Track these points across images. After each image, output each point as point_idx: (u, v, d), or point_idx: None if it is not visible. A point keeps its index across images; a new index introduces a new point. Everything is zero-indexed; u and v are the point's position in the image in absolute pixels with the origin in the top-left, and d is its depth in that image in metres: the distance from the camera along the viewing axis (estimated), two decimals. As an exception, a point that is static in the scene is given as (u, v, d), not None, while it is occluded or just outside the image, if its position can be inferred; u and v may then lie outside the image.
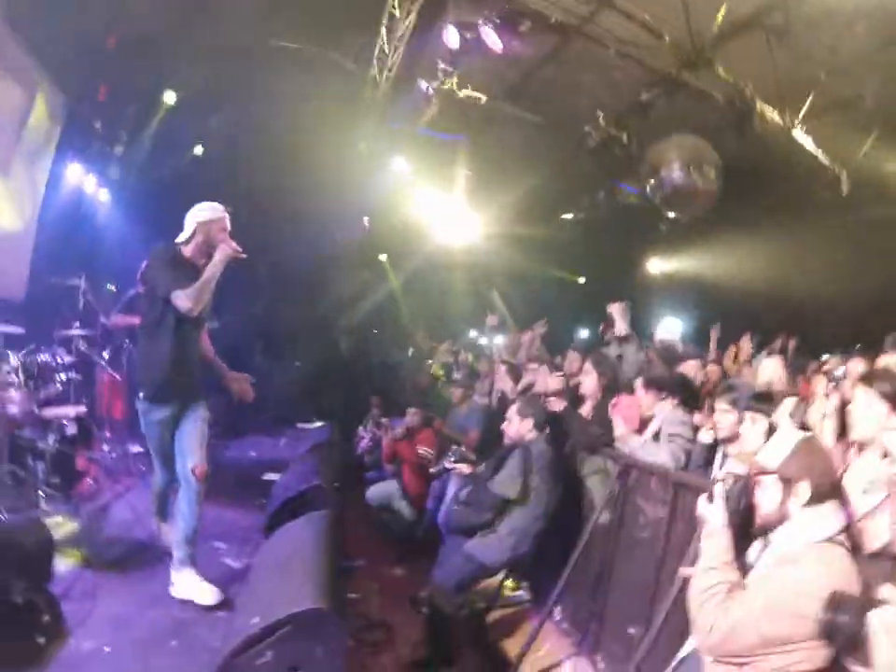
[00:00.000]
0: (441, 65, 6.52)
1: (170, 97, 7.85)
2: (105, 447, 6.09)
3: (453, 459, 4.68)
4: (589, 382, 4.65)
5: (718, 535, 2.14)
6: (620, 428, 4.17)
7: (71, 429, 5.34)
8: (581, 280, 12.29)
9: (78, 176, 7.88)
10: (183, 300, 3.43)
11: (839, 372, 3.67)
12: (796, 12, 5.45)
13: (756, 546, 2.16)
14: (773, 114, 6.46)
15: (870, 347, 3.97)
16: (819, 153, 6.72)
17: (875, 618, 1.66)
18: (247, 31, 6.66)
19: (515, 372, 6.11)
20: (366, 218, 10.95)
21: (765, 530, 2.11)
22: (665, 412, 4.00)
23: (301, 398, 10.78)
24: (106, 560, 3.99)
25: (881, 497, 2.40)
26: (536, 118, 7.86)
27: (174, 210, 3.73)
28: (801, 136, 6.61)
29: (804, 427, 2.94)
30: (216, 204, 3.69)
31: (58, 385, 5.66)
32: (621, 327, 5.46)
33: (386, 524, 5.90)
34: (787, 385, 3.90)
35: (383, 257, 12.82)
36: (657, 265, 11.44)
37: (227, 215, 3.68)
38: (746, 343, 4.09)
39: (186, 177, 8.46)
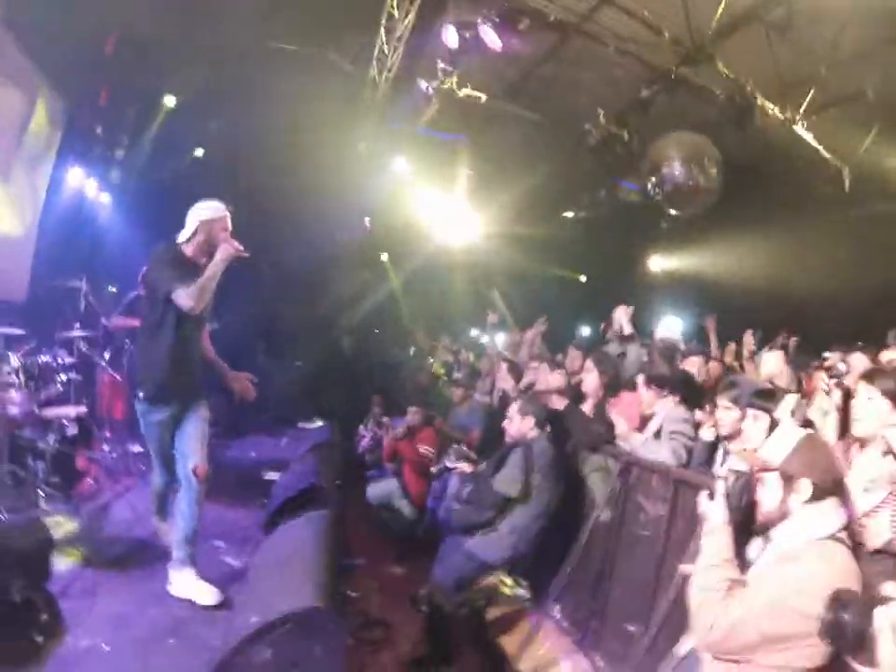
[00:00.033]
0: (441, 65, 6.51)
1: (170, 100, 7.87)
2: (106, 447, 6.08)
3: (453, 458, 4.67)
4: (590, 380, 4.65)
5: (719, 532, 2.13)
6: (621, 426, 4.16)
7: (71, 429, 5.34)
8: (582, 278, 12.27)
9: (79, 180, 7.92)
10: (184, 298, 3.40)
11: (841, 367, 3.65)
12: (797, 7, 5.43)
13: (757, 543, 2.15)
14: (774, 109, 6.43)
15: (872, 343, 3.94)
16: (821, 149, 6.69)
17: (880, 616, 1.65)
18: (247, 32, 6.66)
19: (516, 371, 6.10)
20: (367, 219, 10.96)
21: (766, 527, 2.10)
22: (667, 409, 3.98)
23: (301, 397, 10.76)
24: (106, 559, 3.98)
25: (883, 494, 2.39)
26: (536, 116, 7.85)
27: (174, 212, 3.70)
28: (802, 132, 6.59)
29: (806, 423, 2.93)
30: (217, 203, 3.66)
31: (58, 385, 5.66)
32: (625, 327, 5.46)
33: (387, 522, 5.89)
34: (789, 381, 3.88)
35: (383, 256, 12.83)
36: (658, 263, 11.41)
37: (228, 213, 3.65)
38: (748, 339, 4.06)
39: (186, 180, 8.47)
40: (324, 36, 6.98)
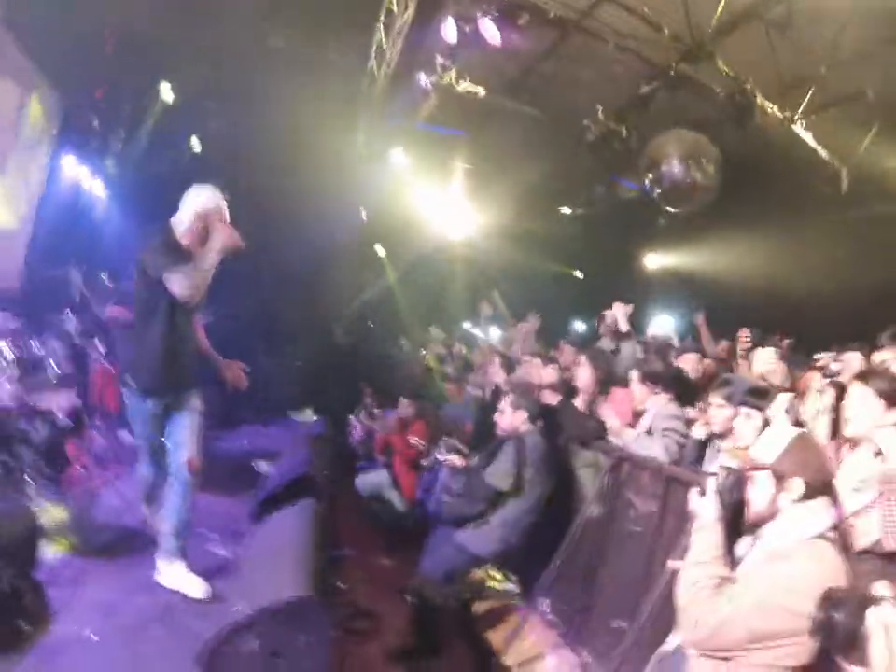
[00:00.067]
0: (440, 59, 6.46)
1: (167, 93, 7.81)
2: (96, 436, 6.06)
3: (444, 451, 4.67)
4: (583, 375, 4.64)
5: (709, 529, 2.13)
6: (613, 422, 4.16)
7: (62, 418, 5.31)
8: (579, 275, 12.26)
9: (76, 172, 7.88)
10: (178, 286, 3.28)
11: (834, 367, 3.66)
12: (797, 5, 5.41)
13: (745, 541, 2.15)
14: (773, 108, 6.42)
15: (869, 344, 3.94)
16: (819, 149, 6.69)
17: (872, 615, 1.64)
18: (245, 28, 6.63)
19: (509, 365, 6.09)
20: (363, 211, 10.93)
21: (756, 525, 2.09)
22: (659, 406, 3.98)
23: (293, 388, 10.76)
24: (95, 547, 3.96)
25: (872, 495, 2.39)
26: (534, 112, 7.81)
27: (171, 206, 3.61)
28: (801, 131, 6.58)
29: (798, 423, 2.93)
30: (215, 190, 3.53)
31: (50, 374, 5.64)
32: (622, 324, 5.45)
33: (377, 513, 5.90)
34: (783, 378, 3.87)
35: (380, 250, 12.80)
36: (655, 260, 11.40)
37: (225, 202, 3.51)
38: (744, 336, 4.07)
39: (183, 173, 8.43)
40: (323, 31, 6.93)
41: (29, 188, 7.04)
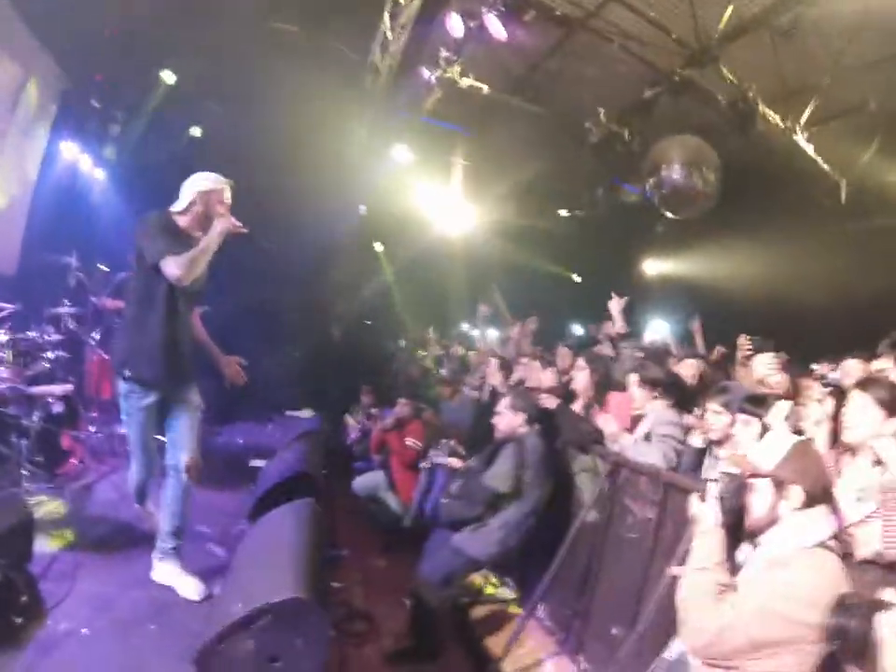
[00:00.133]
0: (444, 53, 6.45)
1: (169, 77, 7.78)
2: (92, 427, 6.02)
3: (442, 453, 4.65)
4: (581, 378, 4.64)
5: (710, 535, 2.13)
6: (611, 427, 4.15)
7: (57, 408, 5.25)
8: (577, 278, 12.26)
9: (74, 154, 7.82)
10: (173, 267, 3.17)
11: (834, 375, 3.66)
12: (804, 16, 5.42)
13: (745, 548, 2.15)
14: (775, 117, 6.43)
15: (868, 352, 3.95)
16: (819, 160, 6.71)
17: (883, 622, 1.64)
18: (249, 17, 6.58)
19: (506, 367, 6.09)
20: (363, 207, 10.90)
21: (756, 532, 2.09)
22: (657, 412, 3.98)
23: (290, 385, 10.73)
24: (89, 540, 3.94)
25: (873, 505, 2.39)
26: (538, 110, 7.80)
27: (169, 191, 3.57)
28: (802, 142, 6.59)
29: (797, 431, 2.93)
30: (217, 175, 3.47)
31: (45, 362, 5.59)
32: (617, 320, 5.44)
33: (373, 514, 5.87)
34: (784, 385, 3.87)
35: (378, 246, 12.77)
36: (653, 266, 11.41)
37: (227, 186, 3.46)
38: (743, 343, 4.07)
39: (182, 159, 8.38)
40: (327, 21, 6.90)
41: (25, 168, 6.98)
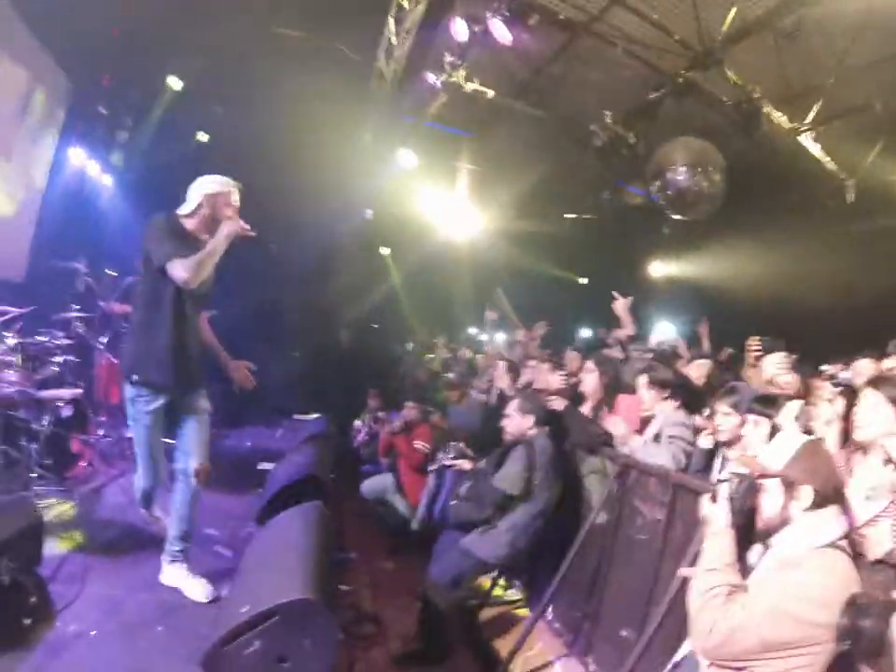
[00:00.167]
0: (449, 58, 6.47)
1: (175, 82, 7.83)
2: (101, 431, 6.05)
3: (451, 456, 4.65)
4: (590, 380, 4.63)
5: (721, 536, 2.11)
6: (620, 429, 4.14)
7: (66, 412, 5.28)
8: (583, 281, 12.25)
9: (82, 160, 7.87)
10: (180, 270, 3.16)
11: (845, 375, 3.64)
12: (807, 16, 5.41)
13: (757, 548, 2.14)
14: (780, 118, 6.42)
15: (878, 353, 3.93)
16: (825, 160, 6.69)
17: None
18: (254, 20, 6.61)
19: (514, 370, 6.08)
20: (369, 211, 10.92)
21: (767, 533, 2.08)
22: (666, 413, 3.96)
23: (298, 389, 10.75)
24: (98, 543, 3.96)
25: (884, 504, 2.37)
26: (542, 114, 7.81)
27: (177, 196, 3.58)
28: (807, 143, 6.58)
29: (807, 430, 2.91)
30: (224, 177, 3.47)
31: (55, 367, 5.63)
32: (627, 324, 5.42)
33: (381, 517, 5.87)
34: (795, 384, 3.85)
35: (385, 250, 12.79)
36: (659, 268, 11.40)
37: (235, 189, 3.46)
38: (753, 344, 4.05)
39: (190, 164, 8.42)
40: (332, 26, 6.93)
41: (34, 174, 7.03)
